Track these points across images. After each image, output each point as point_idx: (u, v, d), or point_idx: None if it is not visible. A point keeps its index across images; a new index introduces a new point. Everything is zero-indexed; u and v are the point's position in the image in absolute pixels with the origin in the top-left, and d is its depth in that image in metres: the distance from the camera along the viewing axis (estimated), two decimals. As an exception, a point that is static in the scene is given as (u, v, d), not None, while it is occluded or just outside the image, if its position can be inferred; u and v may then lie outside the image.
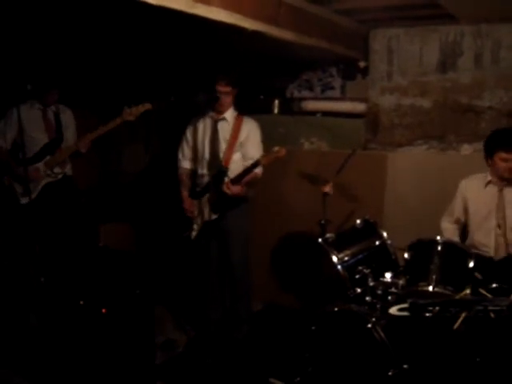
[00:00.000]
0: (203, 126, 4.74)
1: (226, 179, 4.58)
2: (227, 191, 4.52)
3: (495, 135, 4.22)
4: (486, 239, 4.27)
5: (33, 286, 4.38)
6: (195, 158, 4.78)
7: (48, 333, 4.04)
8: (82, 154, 5.02)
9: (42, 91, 4.99)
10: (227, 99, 4.65)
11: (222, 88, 4.59)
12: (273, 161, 4.41)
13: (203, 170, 4.75)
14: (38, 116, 5.05)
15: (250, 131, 4.73)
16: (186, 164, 4.89)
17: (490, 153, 4.20)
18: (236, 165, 4.66)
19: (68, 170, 5.18)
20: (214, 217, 4.67)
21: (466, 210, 4.40)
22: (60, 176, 5.09)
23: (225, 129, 4.73)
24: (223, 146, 4.70)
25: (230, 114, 4.73)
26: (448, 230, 4.45)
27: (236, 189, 4.53)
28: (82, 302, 3.93)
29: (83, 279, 4.23)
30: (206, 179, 4.74)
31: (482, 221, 4.30)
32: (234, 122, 4.72)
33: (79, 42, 5.24)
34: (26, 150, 4.77)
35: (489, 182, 4.29)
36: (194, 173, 4.85)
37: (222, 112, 4.71)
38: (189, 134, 4.81)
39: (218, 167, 4.65)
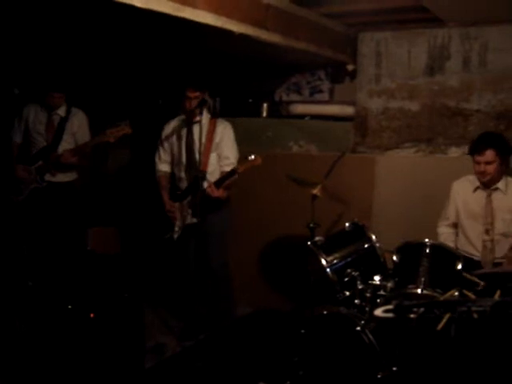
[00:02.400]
0: (178, 130, 4.85)
1: (206, 183, 4.66)
2: (211, 194, 4.61)
3: (472, 141, 4.28)
4: (474, 243, 4.29)
5: (20, 290, 4.36)
6: (172, 161, 4.94)
7: (36, 338, 4.02)
8: (64, 165, 5.08)
9: (42, 95, 5.04)
10: (193, 104, 4.70)
11: (192, 94, 4.70)
12: (249, 168, 4.53)
13: (181, 173, 4.86)
14: (43, 118, 5.11)
15: (224, 132, 4.85)
16: (162, 167, 5.01)
17: (472, 158, 4.26)
18: (213, 166, 4.81)
19: (59, 177, 5.16)
20: (194, 220, 4.75)
21: (458, 213, 4.42)
22: (45, 184, 5.09)
23: (199, 131, 4.65)
24: (199, 148, 4.71)
25: (205, 117, 4.74)
26: (443, 235, 4.46)
27: (219, 192, 4.64)
28: (69, 307, 3.90)
29: (71, 283, 4.21)
30: (184, 182, 4.85)
31: (471, 225, 4.32)
32: (208, 125, 4.81)
33: (66, 47, 5.24)
34: (28, 150, 5.06)
35: (477, 188, 4.31)
36: (172, 176, 4.98)
37: (195, 115, 4.74)
38: (164, 137, 4.92)
39: (197, 171, 4.70)
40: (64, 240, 5.12)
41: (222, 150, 4.83)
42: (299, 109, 5.91)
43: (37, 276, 4.41)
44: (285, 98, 6.09)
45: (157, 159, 5.02)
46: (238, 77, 5.38)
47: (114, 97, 6.27)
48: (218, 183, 4.65)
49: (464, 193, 4.37)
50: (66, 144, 5.12)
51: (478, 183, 4.29)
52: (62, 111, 5.12)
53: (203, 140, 4.73)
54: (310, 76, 5.96)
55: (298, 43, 4.72)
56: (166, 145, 4.93)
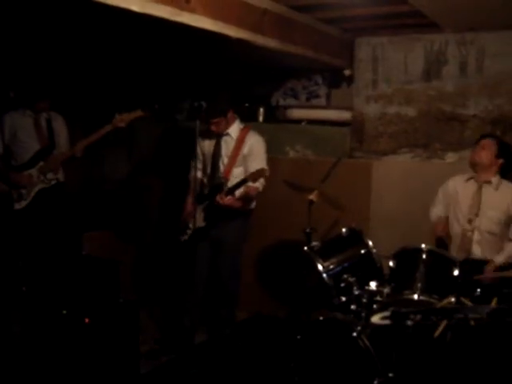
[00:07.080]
0: (209, 140, 4.77)
1: (223, 190, 4.59)
2: (219, 201, 4.51)
3: None
4: (457, 233, 4.37)
5: (15, 295, 4.35)
6: (203, 169, 4.87)
7: (30, 343, 4.00)
8: (77, 160, 5.14)
9: (33, 99, 5.04)
10: (220, 126, 4.64)
11: (212, 119, 4.59)
12: (258, 179, 4.46)
13: (205, 181, 4.83)
14: (30, 123, 5.10)
15: (253, 145, 4.70)
16: (195, 173, 4.79)
17: None
18: (236, 179, 4.63)
19: (60, 176, 5.24)
20: (202, 224, 4.68)
21: (447, 206, 4.51)
22: (53, 182, 5.15)
23: (228, 144, 4.73)
24: (225, 160, 4.72)
25: (234, 129, 4.72)
26: (435, 217, 4.58)
27: (228, 200, 4.52)
28: (64, 312, 3.88)
29: (66, 288, 4.19)
30: (206, 189, 4.79)
31: (457, 215, 4.40)
32: (237, 137, 4.71)
33: (65, 50, 5.25)
34: (18, 156, 5.03)
35: (470, 178, 4.39)
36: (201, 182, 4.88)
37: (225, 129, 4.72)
38: (199, 146, 4.77)
39: (218, 179, 4.69)
40: (60, 244, 5.12)
41: (250, 164, 4.65)
42: (296, 113, 5.89)
43: (31, 281, 4.40)
44: (281, 102, 6.06)
45: (192, 165, 4.83)
46: (234, 81, 5.37)
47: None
48: (229, 191, 4.54)
49: (457, 184, 4.47)
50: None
51: (471, 175, 4.39)
52: (45, 114, 5.16)
53: (229, 153, 4.71)
54: (306, 81, 5.95)
55: (294, 48, 4.71)
56: (199, 154, 4.81)
